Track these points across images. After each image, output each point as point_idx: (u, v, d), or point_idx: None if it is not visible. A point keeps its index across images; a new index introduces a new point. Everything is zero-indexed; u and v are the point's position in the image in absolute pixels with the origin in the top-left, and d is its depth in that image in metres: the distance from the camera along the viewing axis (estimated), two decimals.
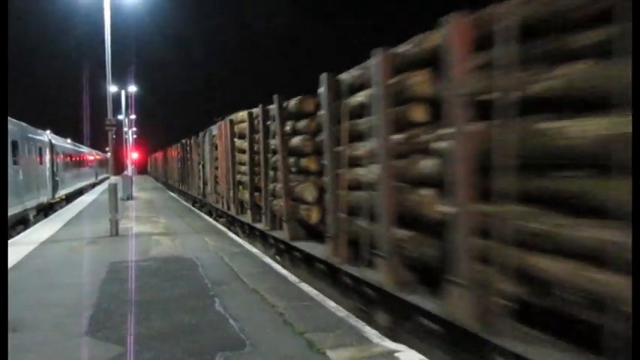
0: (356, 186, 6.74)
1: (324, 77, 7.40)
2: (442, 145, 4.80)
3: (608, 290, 3.25)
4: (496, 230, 4.11)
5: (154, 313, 6.26)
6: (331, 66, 7.43)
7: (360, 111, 6.54)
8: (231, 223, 15.01)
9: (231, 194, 14.39)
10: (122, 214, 16.75)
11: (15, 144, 16.27)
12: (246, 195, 12.59)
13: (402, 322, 5.60)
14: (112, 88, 16.16)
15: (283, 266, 9.22)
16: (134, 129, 47.89)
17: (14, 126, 16.83)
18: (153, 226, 15.41)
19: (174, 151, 33.90)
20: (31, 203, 18.21)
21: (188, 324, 5.85)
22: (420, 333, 5.18)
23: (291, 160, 9.26)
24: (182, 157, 28.27)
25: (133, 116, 43.31)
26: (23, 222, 17.26)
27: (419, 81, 5.32)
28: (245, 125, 12.24)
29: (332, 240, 7.27)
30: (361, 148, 6.56)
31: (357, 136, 6.76)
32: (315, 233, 8.67)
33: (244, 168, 12.70)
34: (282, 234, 9.65)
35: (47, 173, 22.25)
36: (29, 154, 18.45)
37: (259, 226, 11.59)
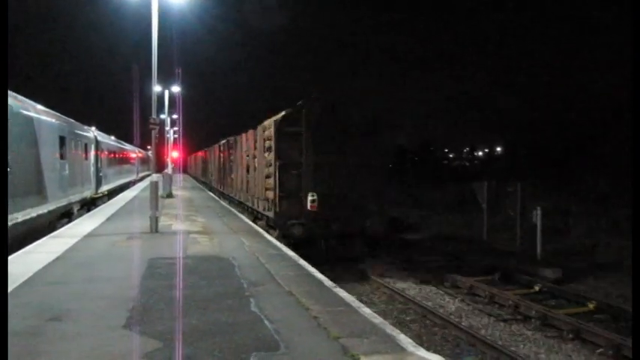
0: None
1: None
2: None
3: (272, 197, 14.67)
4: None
5: (191, 310, 6.39)
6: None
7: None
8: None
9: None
10: (161, 212, 17.12)
11: (62, 139, 16.80)
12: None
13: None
14: (157, 88, 16.56)
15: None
16: (176, 128, 48.71)
17: (62, 122, 17.39)
18: (191, 224, 15.70)
19: (213, 152, 34.92)
20: (75, 197, 18.77)
21: (224, 322, 5.95)
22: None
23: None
24: (220, 159, 29.84)
25: (175, 116, 44.07)
26: (67, 215, 17.82)
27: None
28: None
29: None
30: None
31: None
32: None
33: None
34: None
35: (91, 169, 22.91)
36: (75, 149, 19.02)
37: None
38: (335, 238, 14.52)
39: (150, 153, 17.16)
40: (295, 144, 14.49)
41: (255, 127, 17.92)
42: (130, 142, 49.32)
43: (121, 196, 29.25)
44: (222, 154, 28.75)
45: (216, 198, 29.12)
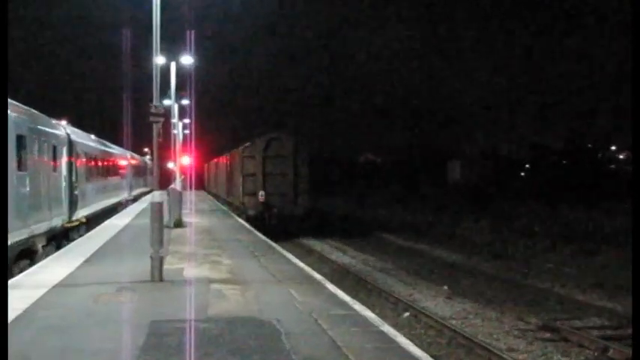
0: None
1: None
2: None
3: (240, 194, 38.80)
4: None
5: None
6: None
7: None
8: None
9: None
10: (168, 249, 17.45)
11: (20, 140, 17.37)
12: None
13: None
14: (160, 60, 16.94)
15: None
16: (187, 121, 49.57)
17: (20, 114, 17.98)
18: (213, 268, 15.96)
19: (234, 157, 43.03)
20: (39, 227, 19.40)
21: None
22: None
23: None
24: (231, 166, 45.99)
25: (186, 101, 44.80)
26: (28, 255, 18.43)
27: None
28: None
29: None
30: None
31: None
32: None
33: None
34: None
35: (63, 184, 23.62)
36: (40, 154, 19.68)
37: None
38: (275, 219, 35.32)
39: (149, 159, 17.54)
40: (252, 162, 36.95)
41: (234, 149, 44.21)
42: (119, 143, 50.66)
43: (106, 224, 30.12)
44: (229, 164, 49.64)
45: (249, 227, 29.54)
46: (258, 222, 33.92)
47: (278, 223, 35.19)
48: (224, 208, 46.66)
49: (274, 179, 36.56)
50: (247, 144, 39.08)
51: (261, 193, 35.93)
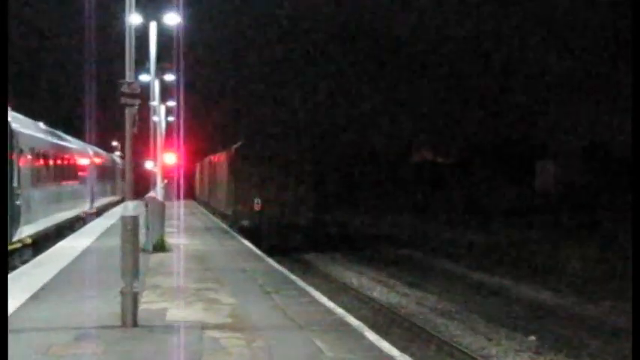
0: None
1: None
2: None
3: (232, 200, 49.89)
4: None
5: None
6: None
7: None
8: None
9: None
10: (145, 282, 17.53)
11: None
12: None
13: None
14: (135, 19, 17.03)
15: None
16: (173, 104, 49.77)
17: None
18: (208, 308, 16.03)
19: (227, 158, 48.92)
20: None
21: None
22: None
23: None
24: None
25: (170, 76, 44.88)
26: None
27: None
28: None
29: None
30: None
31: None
32: None
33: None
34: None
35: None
36: None
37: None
38: (273, 230, 41.31)
39: (119, 156, 17.46)
40: (247, 164, 43.35)
41: (226, 149, 53.54)
42: (79, 135, 50.85)
43: (59, 246, 30.19)
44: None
45: (258, 252, 29.58)
46: (254, 235, 38.82)
47: (276, 237, 40.74)
48: (223, 225, 46.82)
49: (272, 184, 42.29)
50: (242, 142, 45.49)
51: (257, 200, 41.82)
